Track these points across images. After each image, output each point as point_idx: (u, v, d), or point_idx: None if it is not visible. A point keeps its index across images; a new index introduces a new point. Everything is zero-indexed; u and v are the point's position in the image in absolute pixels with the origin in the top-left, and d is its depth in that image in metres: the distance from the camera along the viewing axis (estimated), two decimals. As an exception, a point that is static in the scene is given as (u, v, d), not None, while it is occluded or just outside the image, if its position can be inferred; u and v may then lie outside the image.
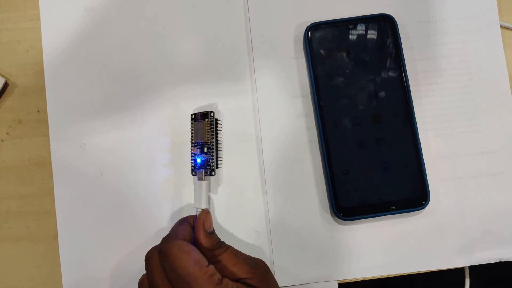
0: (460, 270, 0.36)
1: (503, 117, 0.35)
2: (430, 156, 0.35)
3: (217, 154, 0.32)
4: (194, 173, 0.33)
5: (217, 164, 0.32)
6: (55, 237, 0.34)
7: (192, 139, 0.33)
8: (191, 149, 0.32)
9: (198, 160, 0.32)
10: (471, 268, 0.35)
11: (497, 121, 0.35)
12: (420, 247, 0.34)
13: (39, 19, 0.36)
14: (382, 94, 0.34)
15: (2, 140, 0.35)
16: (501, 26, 0.36)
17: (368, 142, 0.34)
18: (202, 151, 0.32)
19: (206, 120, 0.32)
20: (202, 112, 0.32)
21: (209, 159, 0.32)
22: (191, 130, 0.33)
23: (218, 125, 0.33)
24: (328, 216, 0.34)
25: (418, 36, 0.36)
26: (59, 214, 0.34)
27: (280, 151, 0.35)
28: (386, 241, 0.34)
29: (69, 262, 0.34)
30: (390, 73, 0.35)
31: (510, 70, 0.36)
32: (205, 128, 0.32)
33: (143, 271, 0.30)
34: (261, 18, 0.36)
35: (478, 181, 0.35)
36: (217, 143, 0.32)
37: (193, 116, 0.33)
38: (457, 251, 0.34)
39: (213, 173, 0.32)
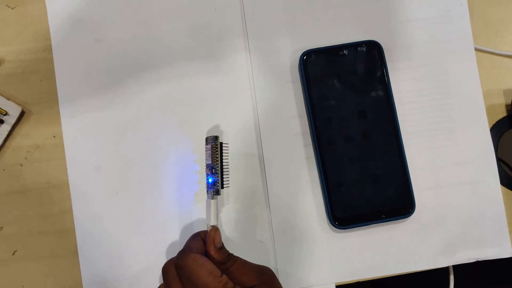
0: (446, 270, 0.40)
1: (477, 131, 0.39)
2: (414, 168, 0.38)
3: (222, 175, 0.35)
4: (207, 192, 0.36)
5: (222, 184, 0.35)
6: (75, 254, 0.37)
7: (205, 161, 0.35)
8: (205, 170, 0.35)
9: (210, 180, 0.35)
10: (455, 267, 0.39)
11: (472, 135, 0.39)
12: (408, 250, 0.38)
13: (51, 50, 0.38)
14: (370, 113, 0.38)
15: (21, 165, 0.38)
16: (476, 49, 0.40)
17: (359, 157, 0.38)
18: (211, 172, 0.35)
19: (213, 143, 0.35)
20: (211, 136, 0.35)
21: (216, 180, 0.35)
22: (205, 152, 0.36)
23: (224, 147, 0.36)
24: (325, 225, 0.38)
25: (400, 59, 0.40)
26: (78, 232, 0.37)
27: (281, 167, 0.38)
28: (377, 246, 0.38)
29: (89, 276, 0.37)
30: (378, 94, 0.38)
31: (484, 89, 0.40)
32: (212, 151, 0.35)
33: (158, 284, 0.33)
34: (260, 47, 0.39)
35: (457, 189, 0.39)
36: (221, 165, 0.35)
37: (206, 140, 0.36)
38: (440, 252, 0.38)
39: (218, 193, 0.35)
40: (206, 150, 0.35)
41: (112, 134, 0.38)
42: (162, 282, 0.32)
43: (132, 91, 0.38)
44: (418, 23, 0.40)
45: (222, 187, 0.35)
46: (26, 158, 0.38)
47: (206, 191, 0.35)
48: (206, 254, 0.33)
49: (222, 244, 0.34)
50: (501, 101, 0.40)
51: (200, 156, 0.38)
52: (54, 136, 0.38)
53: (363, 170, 0.37)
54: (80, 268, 0.37)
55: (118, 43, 0.39)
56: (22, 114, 0.38)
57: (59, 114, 0.38)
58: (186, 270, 0.30)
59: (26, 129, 0.38)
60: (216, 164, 0.35)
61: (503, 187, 0.39)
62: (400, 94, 0.39)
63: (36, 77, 0.38)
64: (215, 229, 0.34)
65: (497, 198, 0.38)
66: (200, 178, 0.38)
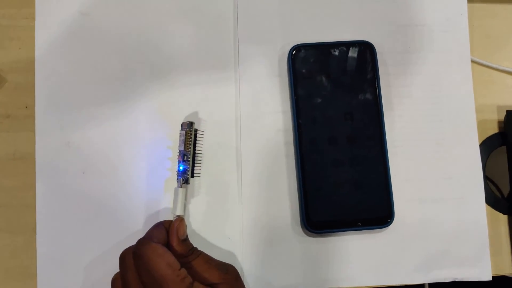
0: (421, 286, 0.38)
1: (467, 146, 0.38)
2: (398, 178, 0.37)
3: (193, 163, 0.34)
4: (177, 180, 0.34)
5: (193, 173, 0.34)
6: (34, 230, 0.35)
7: (178, 147, 0.34)
8: (177, 157, 0.34)
9: (181, 168, 0.33)
10: (431, 285, 0.38)
11: (461, 150, 0.37)
12: (383, 262, 0.36)
13: (33, 18, 0.37)
14: (357, 116, 0.37)
15: (-12, 133, 0.36)
16: (472, 61, 0.39)
17: (341, 161, 0.36)
18: (183, 159, 0.33)
19: (187, 129, 0.34)
20: (187, 122, 0.34)
21: (187, 168, 0.33)
22: (179, 138, 0.34)
23: (199, 135, 0.35)
24: (298, 228, 0.36)
25: (395, 65, 0.38)
26: (39, 209, 0.35)
27: (258, 163, 0.37)
28: (352, 255, 0.36)
29: (45, 256, 0.35)
30: (366, 97, 0.37)
31: (477, 103, 0.38)
32: (186, 138, 0.33)
33: (117, 270, 0.31)
34: (250, 36, 0.38)
35: (440, 204, 0.37)
36: (194, 153, 0.34)
37: (181, 125, 0.34)
38: (416, 268, 0.36)
39: (188, 181, 0.33)
40: (180, 136, 0.34)
41: (87, 111, 0.36)
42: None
43: (113, 69, 0.37)
44: (416, 29, 0.39)
45: (193, 176, 0.34)
46: (-6, 127, 0.36)
47: (176, 179, 0.34)
48: (168, 245, 0.31)
49: (187, 236, 0.33)
50: (493, 117, 0.39)
51: (174, 143, 0.36)
52: (26, 107, 0.37)
53: (343, 174, 0.36)
54: (36, 246, 0.35)
55: (104, 18, 0.37)
56: (-5, 80, 0.37)
57: (34, 85, 0.36)
58: (144, 259, 0.29)
59: (-2, 97, 0.37)
60: (189, 151, 0.33)
61: (488, 206, 0.37)
62: (390, 100, 0.38)
63: (15, 44, 0.37)
64: (180, 219, 0.33)
65: (481, 217, 0.37)
66: (171, 165, 0.36)
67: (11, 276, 0.35)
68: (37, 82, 0.36)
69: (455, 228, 0.37)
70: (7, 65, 0.37)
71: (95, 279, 0.35)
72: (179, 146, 0.34)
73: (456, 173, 0.37)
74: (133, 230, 0.35)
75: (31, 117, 0.36)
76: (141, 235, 0.32)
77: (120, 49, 0.37)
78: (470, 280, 0.36)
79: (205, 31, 0.38)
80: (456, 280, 0.36)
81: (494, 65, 0.39)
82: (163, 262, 0.29)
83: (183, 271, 0.29)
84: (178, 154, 0.34)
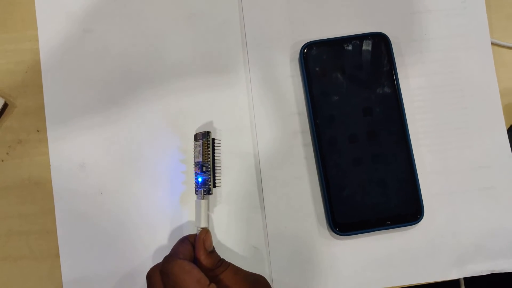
0: (456, 282, 0.37)
1: (494, 132, 0.36)
2: (424, 172, 0.35)
3: (214, 173, 0.33)
4: (196, 192, 0.33)
5: (214, 183, 0.33)
6: (57, 256, 0.34)
7: (194, 159, 0.33)
8: (194, 169, 0.33)
9: (200, 179, 0.33)
10: (467, 280, 0.36)
11: (488, 137, 0.36)
12: (415, 260, 0.35)
13: (37, 40, 0.36)
14: (376, 111, 0.35)
15: (3, 160, 0.36)
16: (492, 43, 0.37)
17: (364, 159, 0.35)
18: (201, 170, 0.33)
19: (204, 140, 0.33)
20: (202, 132, 0.33)
21: (207, 178, 0.32)
22: (194, 150, 0.33)
23: (216, 144, 0.34)
24: (325, 231, 0.35)
25: (411, 54, 0.37)
26: (60, 233, 0.35)
27: (277, 168, 0.35)
28: (381, 255, 0.35)
29: (71, 280, 0.34)
30: (384, 90, 0.35)
31: (501, 86, 0.36)
32: (203, 148, 0.33)
33: (144, 289, 0.30)
34: (258, 38, 0.37)
35: (470, 195, 0.35)
36: (214, 162, 0.33)
37: (194, 136, 0.33)
38: (450, 264, 0.35)
39: (210, 192, 0.33)
40: (195, 147, 0.33)
41: (98, 130, 0.36)
42: (147, 289, 0.30)
43: (120, 84, 0.36)
44: (431, 15, 0.37)
45: (214, 186, 0.33)
46: (7, 154, 0.36)
47: (194, 191, 0.33)
48: (195, 259, 0.31)
49: (213, 248, 0.32)
50: (520, 100, 0.37)
51: (188, 155, 0.35)
52: (38, 131, 0.36)
53: (367, 172, 0.35)
54: (61, 271, 0.34)
55: (108, 34, 0.37)
56: (5, 106, 0.36)
57: (43, 108, 0.36)
58: (172, 277, 0.28)
59: (9, 123, 0.36)
60: (208, 161, 0.32)
61: (522, 194, 0.36)
62: (409, 91, 0.36)
63: (21, 68, 0.36)
64: (205, 231, 0.32)
65: (514, 206, 0.35)
66: (186, 178, 0.35)
67: (39, 303, 0.35)
68: (46, 104, 0.36)
69: (488, 218, 0.35)
70: (15, 90, 0.36)
71: (123, 300, 0.34)
72: (195, 157, 0.33)
73: (484, 162, 0.36)
74: (156, 248, 0.35)
75: (44, 141, 0.36)
76: (166, 251, 0.31)
77: (126, 62, 0.36)
78: (508, 271, 0.35)
79: (211, 37, 0.37)
80: (493, 272, 0.35)
81: (516, 45, 0.37)
82: (191, 278, 0.28)
83: (213, 286, 0.28)
84: (194, 165, 0.33)
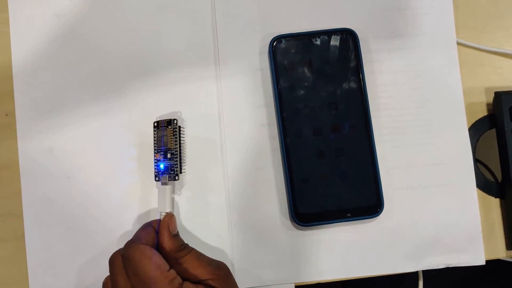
0: (415, 274, 0.38)
1: (455, 131, 0.37)
2: (385, 166, 0.36)
3: (180, 159, 0.34)
4: (157, 179, 0.34)
5: (180, 169, 0.34)
6: (22, 238, 0.35)
7: (155, 146, 0.34)
8: (154, 156, 0.34)
9: (162, 166, 0.33)
10: (425, 272, 0.37)
11: (450, 135, 0.37)
12: (374, 252, 0.36)
13: (8, 23, 0.37)
14: (342, 105, 0.36)
15: (-30, 143, 0.36)
16: (458, 43, 0.38)
17: (327, 152, 0.36)
18: (165, 157, 0.33)
19: (169, 127, 0.33)
20: (165, 119, 0.33)
21: (172, 164, 0.33)
22: (154, 137, 0.34)
23: (181, 132, 0.34)
24: (287, 221, 0.36)
25: (378, 51, 0.37)
26: (26, 216, 0.35)
27: (243, 158, 0.36)
28: (342, 246, 0.36)
29: (36, 263, 0.35)
30: (350, 86, 0.36)
31: (464, 86, 0.37)
32: (168, 135, 0.33)
33: (108, 273, 0.31)
34: (228, 30, 0.37)
35: (430, 191, 0.36)
36: (180, 149, 0.34)
37: (156, 124, 0.34)
38: (408, 257, 0.36)
39: (177, 177, 0.33)
40: (156, 134, 0.33)
41: (68, 114, 0.36)
42: (110, 273, 0.30)
43: (92, 71, 0.36)
44: (399, 13, 0.38)
45: (180, 172, 0.33)
46: (-25, 136, 0.36)
47: (154, 177, 0.33)
48: (158, 244, 0.31)
49: (177, 231, 0.33)
50: (482, 99, 0.38)
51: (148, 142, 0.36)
52: (6, 115, 0.36)
53: (330, 165, 0.35)
54: (26, 253, 0.35)
55: (80, 19, 0.37)
56: (-27, 89, 0.36)
57: (12, 91, 0.36)
58: (132, 262, 0.29)
59: (-23, 106, 0.36)
60: (175, 148, 0.33)
61: (479, 191, 0.37)
62: (375, 87, 0.37)
63: (-9, 51, 0.37)
64: (170, 215, 0.32)
65: (472, 201, 0.36)
66: (151, 165, 0.35)
67: (3, 285, 0.35)
68: (15, 88, 0.36)
69: (446, 214, 0.36)
70: (-16, 73, 0.36)
71: (86, 284, 0.35)
72: (157, 144, 0.33)
73: (445, 159, 0.37)
74: (122, 232, 0.35)
75: (12, 124, 0.36)
76: (130, 236, 0.32)
77: (97, 50, 0.37)
78: (463, 265, 0.36)
79: (183, 28, 0.37)
80: (449, 266, 0.36)
81: (480, 46, 0.38)
82: (152, 264, 0.29)
83: (172, 272, 0.29)
84: (155, 152, 0.33)
